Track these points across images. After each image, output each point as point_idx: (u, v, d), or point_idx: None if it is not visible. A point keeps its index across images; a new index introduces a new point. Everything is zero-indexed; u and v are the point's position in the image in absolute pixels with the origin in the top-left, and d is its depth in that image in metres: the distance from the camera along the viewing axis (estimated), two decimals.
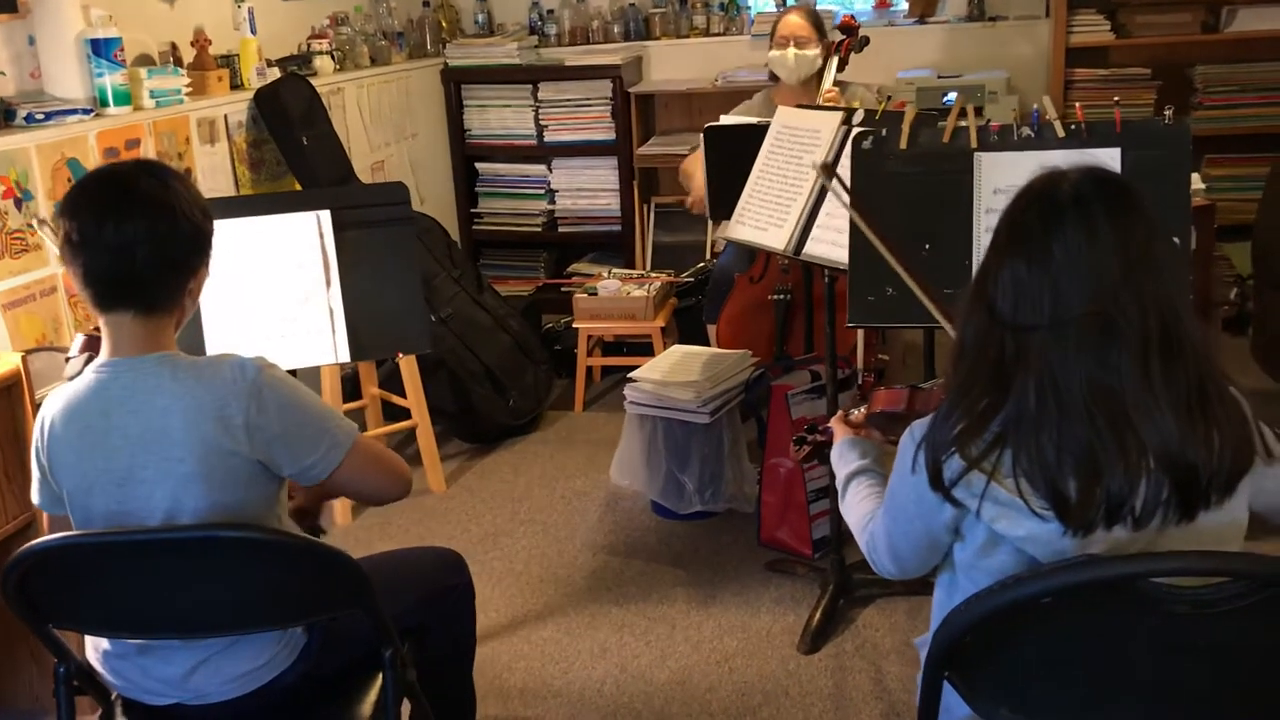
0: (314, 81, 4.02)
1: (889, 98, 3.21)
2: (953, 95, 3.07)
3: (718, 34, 5.15)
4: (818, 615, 2.78)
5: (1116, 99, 2.47)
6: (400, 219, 2.49)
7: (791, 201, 2.71)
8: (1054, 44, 4.64)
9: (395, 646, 1.74)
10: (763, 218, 2.78)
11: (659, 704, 2.56)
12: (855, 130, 2.55)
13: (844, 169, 2.52)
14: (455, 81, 5.17)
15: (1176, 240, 2.09)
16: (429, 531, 3.43)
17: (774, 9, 5.00)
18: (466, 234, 5.35)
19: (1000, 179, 2.26)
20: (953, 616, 1.30)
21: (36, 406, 2.26)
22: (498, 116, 5.20)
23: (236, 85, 3.73)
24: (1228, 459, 1.32)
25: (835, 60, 3.72)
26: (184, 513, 1.63)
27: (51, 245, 2.44)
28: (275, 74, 3.87)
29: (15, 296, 2.76)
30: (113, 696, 1.81)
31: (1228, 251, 4.37)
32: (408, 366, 3.60)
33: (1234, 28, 4.52)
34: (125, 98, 3.11)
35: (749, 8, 5.20)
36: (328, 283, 2.43)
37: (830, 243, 2.59)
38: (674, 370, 3.38)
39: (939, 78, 4.69)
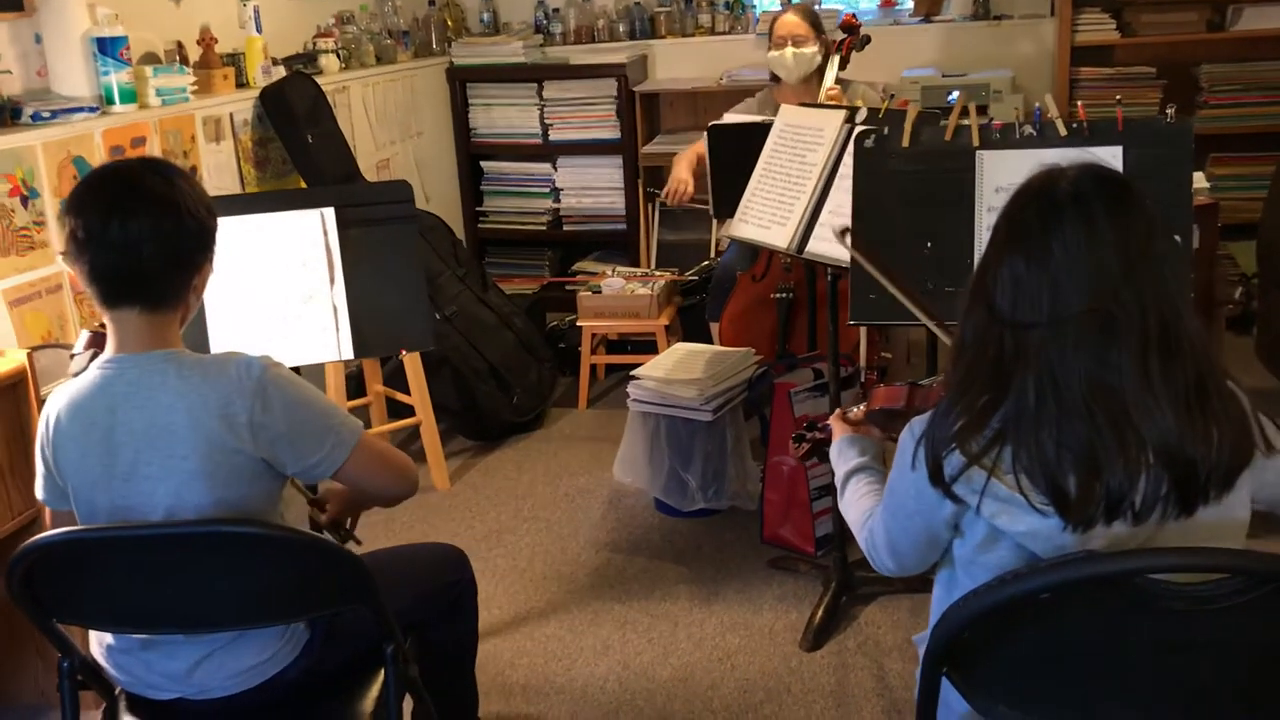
0: (319, 80, 4.03)
1: (892, 96, 3.21)
2: (957, 94, 3.08)
3: (723, 33, 5.15)
4: (820, 613, 2.78)
5: (1118, 97, 2.47)
6: (404, 217, 2.50)
7: (795, 200, 2.72)
8: (1059, 43, 4.64)
9: (398, 642, 1.75)
10: (766, 216, 2.78)
11: (661, 701, 2.56)
12: (858, 129, 2.55)
13: (846, 168, 2.53)
14: (460, 80, 5.17)
15: (1178, 239, 2.10)
16: (432, 528, 3.44)
17: (779, 8, 5.00)
18: (471, 232, 5.36)
19: (1002, 177, 2.27)
20: (951, 612, 1.30)
21: (41, 403, 2.27)
22: (503, 115, 5.21)
23: (242, 84, 3.74)
24: (1226, 454, 1.33)
25: (836, 59, 3.72)
26: (186, 509, 1.64)
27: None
28: (281, 72, 3.89)
29: (21, 293, 2.77)
30: (116, 691, 1.82)
31: (1232, 250, 4.36)
32: (412, 364, 3.61)
33: (1240, 26, 4.52)
34: (131, 96, 3.12)
35: (754, 7, 5.20)
36: (332, 280, 2.44)
37: (833, 241, 2.60)
38: (677, 368, 3.38)
39: (944, 76, 4.69)
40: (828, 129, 2.72)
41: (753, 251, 3.73)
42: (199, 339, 2.36)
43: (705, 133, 3.38)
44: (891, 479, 1.54)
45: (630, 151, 5.08)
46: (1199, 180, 3.32)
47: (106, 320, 1.68)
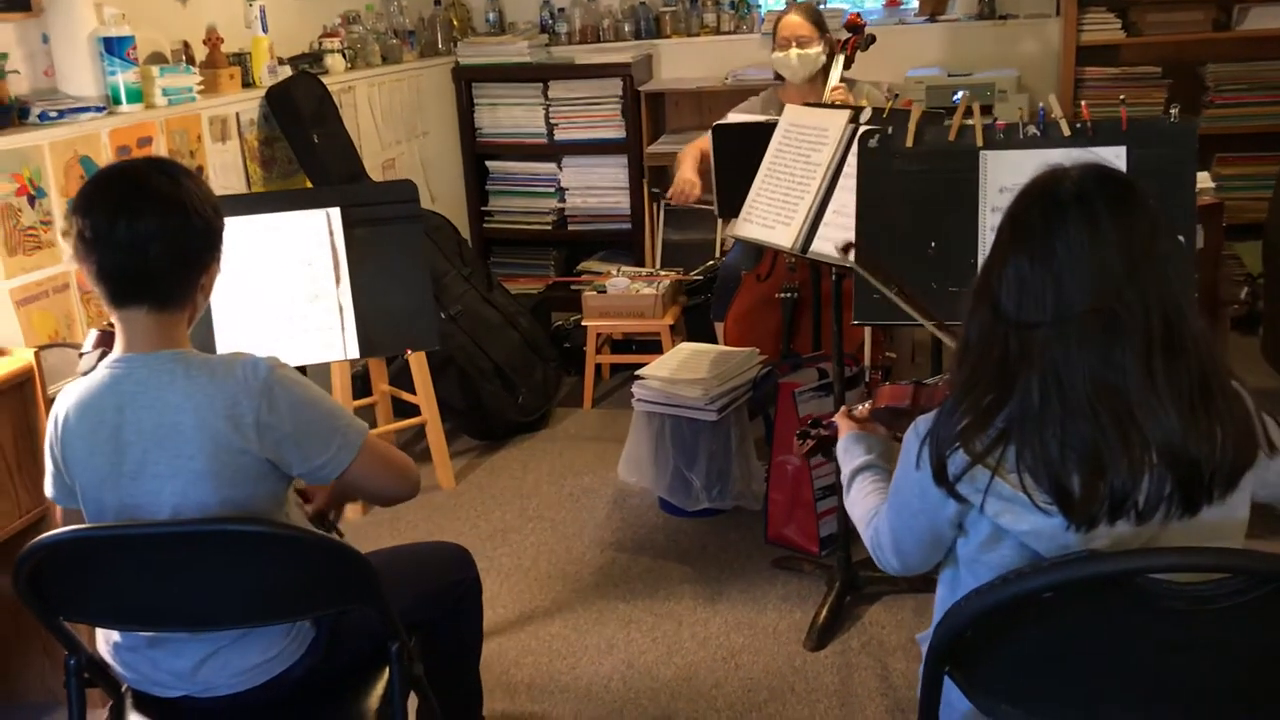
0: (325, 80, 4.04)
1: (896, 96, 3.21)
2: (962, 94, 3.08)
3: (728, 32, 5.15)
4: (824, 612, 2.78)
5: (1122, 97, 2.47)
6: (409, 216, 2.51)
7: (799, 199, 2.72)
8: (1064, 42, 4.63)
9: (402, 641, 1.76)
10: (770, 216, 2.79)
11: (665, 700, 2.57)
12: (862, 129, 2.55)
13: (850, 167, 2.53)
14: (466, 80, 5.18)
15: (1181, 238, 2.10)
16: (438, 527, 3.44)
17: (783, 8, 5.00)
18: (477, 232, 5.37)
19: (1006, 177, 2.27)
20: (953, 611, 1.31)
21: (49, 402, 2.28)
22: (508, 115, 5.22)
23: (248, 83, 3.75)
24: (1230, 454, 1.33)
25: (841, 58, 3.72)
26: (192, 508, 1.65)
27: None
28: (287, 72, 3.89)
29: (28, 293, 2.78)
30: (123, 688, 1.83)
31: (1238, 250, 4.35)
32: (417, 363, 3.62)
33: (1246, 26, 4.50)
34: (137, 96, 3.13)
35: (759, 6, 5.20)
36: (337, 280, 2.45)
37: (837, 241, 2.60)
38: (682, 368, 3.39)
39: (949, 76, 4.68)
40: (832, 129, 2.72)
41: (757, 251, 3.73)
42: (205, 338, 2.37)
43: (709, 132, 3.38)
44: (896, 478, 1.54)
45: (635, 151, 5.08)
46: (1204, 180, 3.32)
47: (114, 320, 1.69)
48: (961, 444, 1.38)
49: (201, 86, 3.43)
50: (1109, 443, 1.31)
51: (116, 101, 3.08)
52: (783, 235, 2.73)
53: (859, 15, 3.84)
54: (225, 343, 2.40)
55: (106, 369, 1.69)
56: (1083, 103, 2.50)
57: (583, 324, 4.34)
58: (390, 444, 2.00)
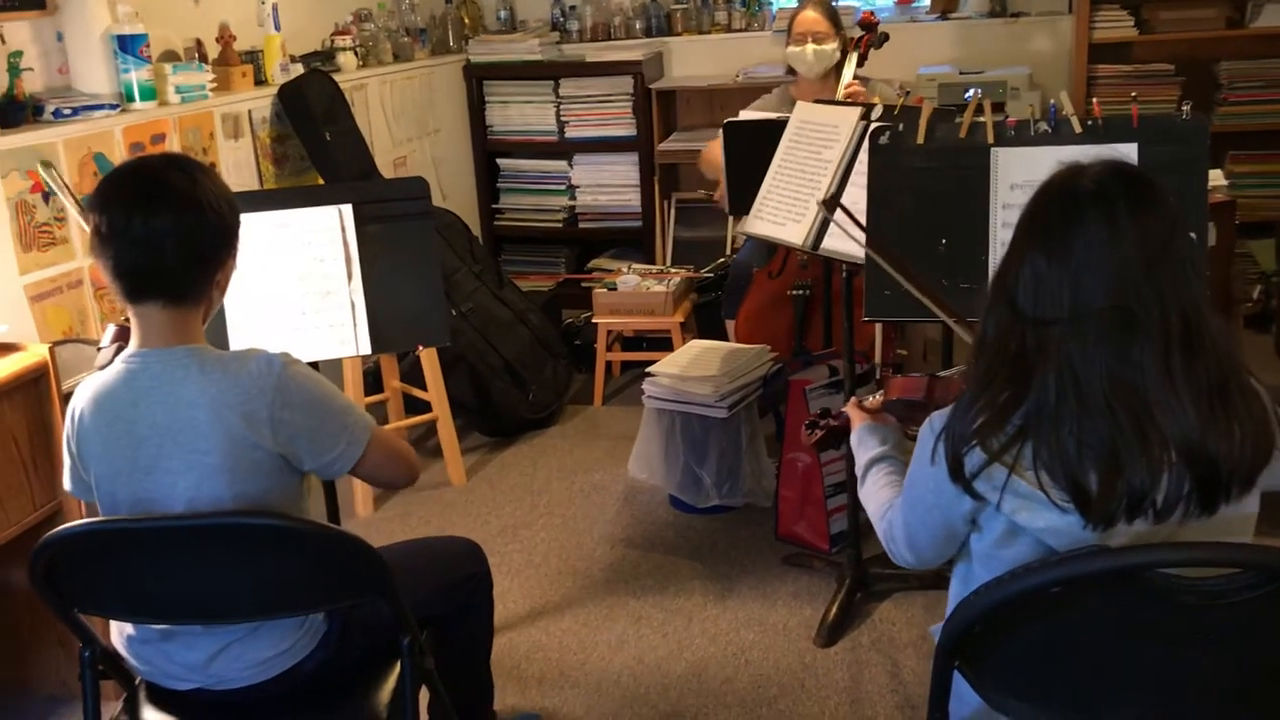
0: (337, 77, 4.05)
1: (907, 93, 3.20)
2: (974, 91, 3.06)
3: (739, 30, 5.15)
4: (834, 609, 2.79)
5: (1134, 94, 2.46)
6: (421, 213, 2.51)
7: (810, 196, 2.72)
8: (1076, 40, 4.62)
9: (414, 635, 1.77)
10: (781, 213, 2.79)
11: (675, 695, 2.57)
12: (873, 125, 2.55)
13: (862, 164, 2.53)
14: (477, 77, 5.19)
15: (1193, 235, 2.09)
16: (449, 523, 3.45)
17: (796, 5, 5.00)
18: (488, 229, 5.38)
19: (1017, 174, 2.27)
20: (963, 606, 1.31)
21: (64, 398, 2.30)
22: (519, 112, 5.22)
23: (260, 81, 3.76)
24: (1249, 452, 1.33)
25: (855, 55, 3.72)
26: (206, 502, 1.66)
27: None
28: (299, 70, 3.91)
29: (43, 289, 2.80)
30: (136, 681, 1.84)
31: (1251, 248, 4.33)
32: (428, 360, 3.63)
33: (1260, 23, 4.48)
34: (151, 93, 3.14)
35: (770, 4, 5.19)
36: (349, 276, 2.46)
37: (846, 238, 2.60)
38: (692, 365, 3.39)
39: (961, 74, 4.67)
40: (843, 126, 2.72)
41: (769, 248, 3.73)
42: (218, 334, 2.38)
43: (721, 129, 3.38)
44: (911, 472, 1.54)
45: (646, 149, 5.08)
46: (1217, 178, 3.30)
47: (130, 315, 1.70)
48: (978, 441, 1.38)
49: (214, 84, 3.45)
50: (1127, 441, 1.31)
51: (130, 99, 3.10)
52: (794, 232, 2.73)
53: (872, 13, 3.83)
54: (238, 338, 2.41)
55: (122, 364, 1.70)
56: (1094, 100, 2.48)
57: (593, 321, 4.34)
58: (393, 434, 2.00)
